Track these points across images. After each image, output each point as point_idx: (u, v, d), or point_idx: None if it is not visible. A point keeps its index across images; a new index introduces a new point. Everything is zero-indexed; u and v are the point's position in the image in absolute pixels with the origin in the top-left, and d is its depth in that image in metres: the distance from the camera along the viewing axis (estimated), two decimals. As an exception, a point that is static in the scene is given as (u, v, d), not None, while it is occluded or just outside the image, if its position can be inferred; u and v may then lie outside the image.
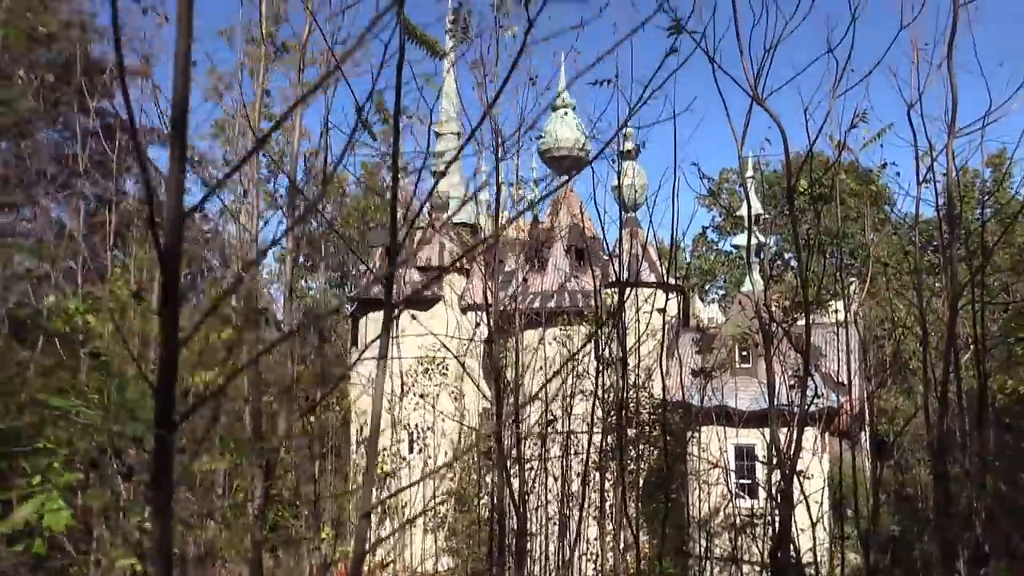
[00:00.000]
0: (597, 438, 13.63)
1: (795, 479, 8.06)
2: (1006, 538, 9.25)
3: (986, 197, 34.25)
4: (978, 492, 6.82)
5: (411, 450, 22.18)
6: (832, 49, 6.12)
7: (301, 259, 39.11)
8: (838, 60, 6.28)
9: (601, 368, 11.28)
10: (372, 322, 22.07)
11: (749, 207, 8.62)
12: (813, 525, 10.58)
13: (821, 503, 12.02)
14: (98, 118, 15.68)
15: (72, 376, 4.20)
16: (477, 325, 17.77)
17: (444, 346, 17.63)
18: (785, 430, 9.88)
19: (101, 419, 2.97)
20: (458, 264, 19.97)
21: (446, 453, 20.90)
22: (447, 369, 20.73)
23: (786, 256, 36.62)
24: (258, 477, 3.83)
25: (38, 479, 2.92)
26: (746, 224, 9.78)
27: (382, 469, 18.04)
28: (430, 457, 19.84)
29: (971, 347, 8.56)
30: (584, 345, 7.92)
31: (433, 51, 7.64)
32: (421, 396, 15.76)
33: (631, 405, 13.96)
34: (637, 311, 12.87)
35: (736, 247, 22.94)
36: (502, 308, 13.84)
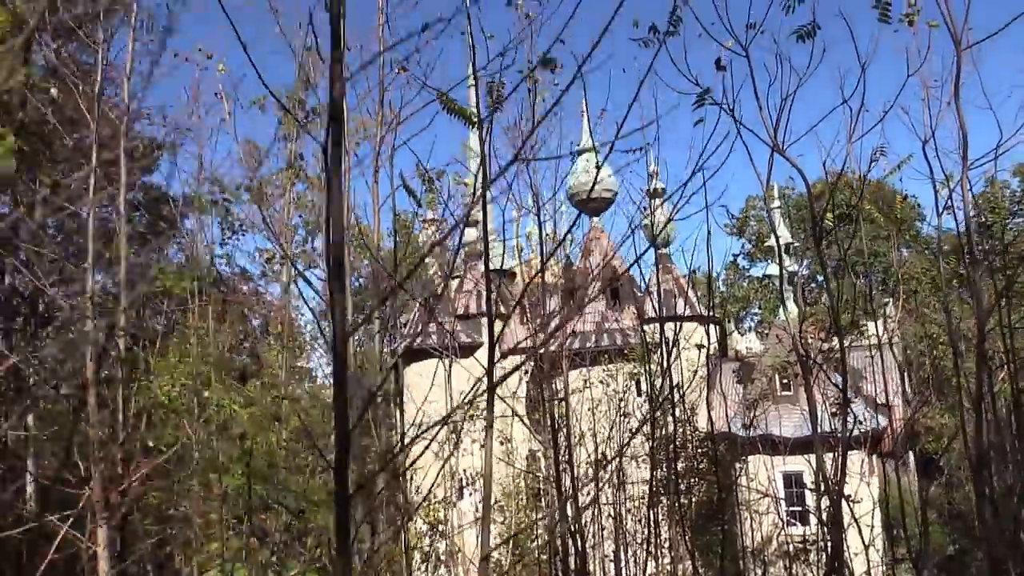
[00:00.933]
0: (646, 473, 13.93)
1: (843, 504, 8.35)
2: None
3: (1017, 207, 34.06)
4: (1020, 507, 7.09)
5: (461, 496, 22.53)
6: (846, 100, 6.60)
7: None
8: (852, 107, 6.77)
9: (651, 405, 11.68)
10: (415, 374, 22.59)
11: (778, 243, 9.04)
12: (866, 548, 10.79)
13: (872, 526, 12.17)
14: (141, 192, 16.50)
15: (215, 457, 4.82)
16: (524, 372, 18.15)
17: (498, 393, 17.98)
18: (830, 456, 10.15)
19: (265, 491, 3.50)
20: (502, 310, 20.46)
21: (495, 497, 21.22)
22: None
23: (819, 278, 36.63)
24: (366, 531, 4.29)
25: (215, 545, 3.43)
26: (777, 258, 10.14)
27: (434, 516, 18.37)
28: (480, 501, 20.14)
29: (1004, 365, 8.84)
30: (668, 388, 8.28)
31: (469, 121, 8.33)
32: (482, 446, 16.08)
33: (678, 440, 14.25)
34: (678, 345, 13.24)
35: (769, 276, 23.27)
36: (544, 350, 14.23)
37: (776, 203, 16.07)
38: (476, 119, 8.76)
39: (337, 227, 2.25)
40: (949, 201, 8.38)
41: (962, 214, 8.12)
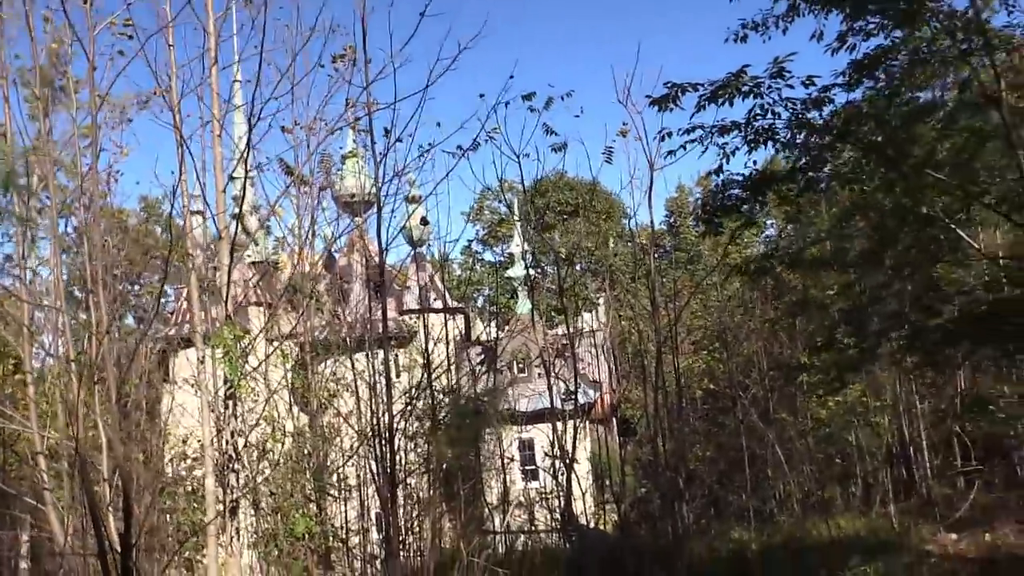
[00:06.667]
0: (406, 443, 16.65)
1: (572, 464, 11.76)
2: (704, 487, 13.63)
3: (694, 210, 40.70)
4: (678, 460, 10.85)
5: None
6: (583, 200, 9.81)
7: (76, 293, 37.85)
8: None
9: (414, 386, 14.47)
10: (183, 358, 23.31)
11: (526, 266, 12.16)
12: (583, 494, 14.47)
13: (587, 478, 15.99)
14: None
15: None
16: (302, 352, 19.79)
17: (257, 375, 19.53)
18: (560, 426, 13.58)
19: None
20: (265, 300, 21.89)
21: (263, 471, 22.76)
22: (258, 396, 22.58)
23: (543, 264, 41.33)
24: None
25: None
26: (521, 266, 13.18)
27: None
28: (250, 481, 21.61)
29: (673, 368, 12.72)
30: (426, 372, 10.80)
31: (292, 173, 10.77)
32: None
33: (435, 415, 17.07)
34: (427, 335, 15.97)
35: (510, 278, 27.12)
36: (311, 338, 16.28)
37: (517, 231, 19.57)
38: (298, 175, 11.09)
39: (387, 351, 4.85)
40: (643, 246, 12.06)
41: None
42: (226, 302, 6.22)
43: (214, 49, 6.49)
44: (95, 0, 7.23)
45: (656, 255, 36.06)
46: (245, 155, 7.12)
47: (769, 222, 32.16)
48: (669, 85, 7.40)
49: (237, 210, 16.28)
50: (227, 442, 5.55)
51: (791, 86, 7.12)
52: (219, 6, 7.19)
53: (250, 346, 6.75)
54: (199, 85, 6.63)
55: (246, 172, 7.47)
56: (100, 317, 5.83)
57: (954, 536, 11.37)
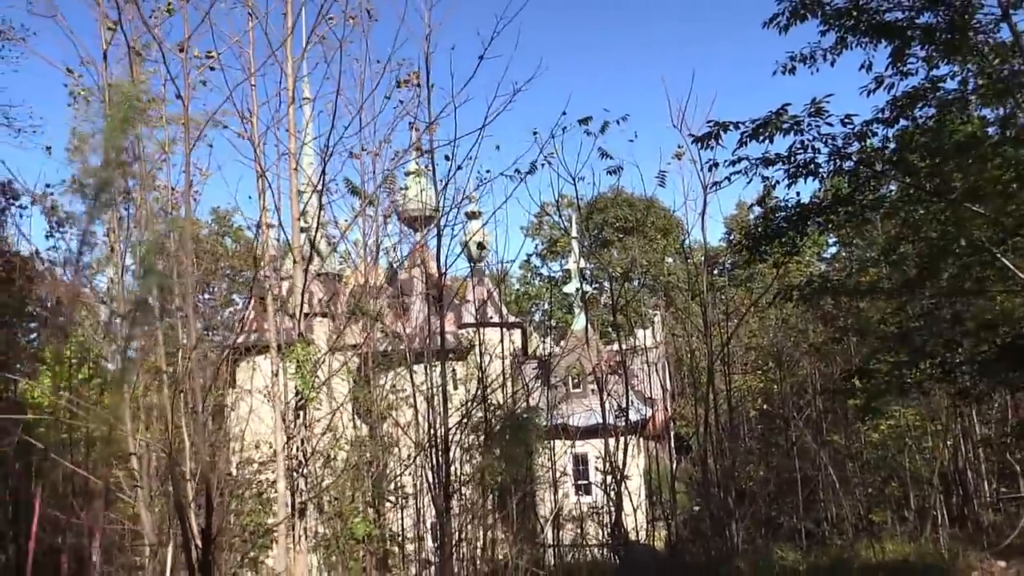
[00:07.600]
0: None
1: (623, 480, 12.09)
2: (755, 507, 13.79)
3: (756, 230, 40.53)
4: (728, 478, 11.08)
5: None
6: (638, 223, 10.21)
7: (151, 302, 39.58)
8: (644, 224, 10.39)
9: (471, 398, 14.92)
10: (250, 365, 24.26)
11: (581, 288, 12.54)
12: (635, 511, 14.74)
13: (640, 494, 16.23)
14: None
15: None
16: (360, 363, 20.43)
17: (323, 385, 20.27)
18: (612, 441, 13.89)
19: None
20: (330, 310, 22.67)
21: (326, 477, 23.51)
22: (321, 404, 23.36)
23: (600, 280, 41.55)
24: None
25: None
26: (574, 277, 13.61)
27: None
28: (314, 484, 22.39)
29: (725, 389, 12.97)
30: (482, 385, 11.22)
31: (359, 195, 11.30)
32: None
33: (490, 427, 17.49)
34: (484, 345, 16.39)
35: (566, 294, 27.53)
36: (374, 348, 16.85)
37: (575, 238, 19.99)
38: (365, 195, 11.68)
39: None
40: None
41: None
42: (299, 322, 6.81)
43: (291, 89, 7.11)
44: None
45: (714, 272, 36.05)
46: (318, 186, 7.72)
47: (832, 240, 31.88)
48: (711, 124, 7.78)
49: (306, 223, 17.11)
50: (297, 449, 6.12)
51: (830, 124, 7.42)
52: (296, 46, 7.84)
53: (320, 361, 7.33)
54: (277, 123, 7.26)
55: (320, 205, 8.06)
56: (190, 333, 6.46)
57: (1003, 563, 11.30)
